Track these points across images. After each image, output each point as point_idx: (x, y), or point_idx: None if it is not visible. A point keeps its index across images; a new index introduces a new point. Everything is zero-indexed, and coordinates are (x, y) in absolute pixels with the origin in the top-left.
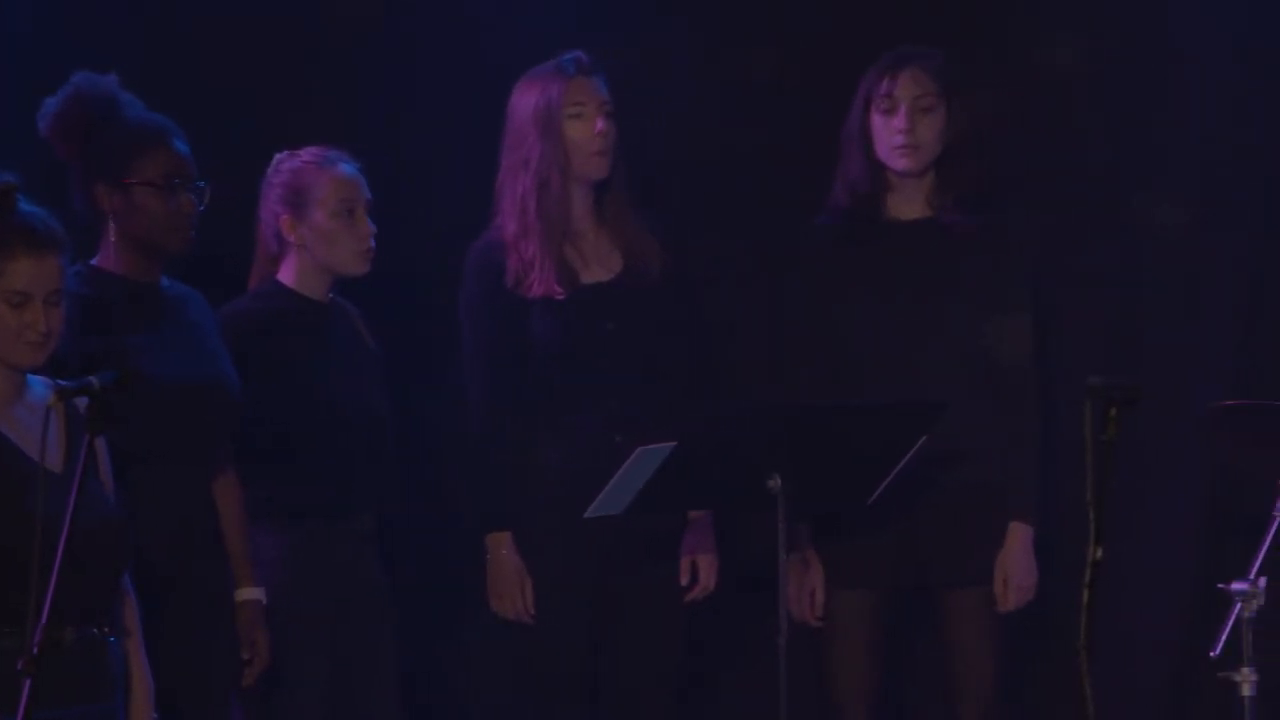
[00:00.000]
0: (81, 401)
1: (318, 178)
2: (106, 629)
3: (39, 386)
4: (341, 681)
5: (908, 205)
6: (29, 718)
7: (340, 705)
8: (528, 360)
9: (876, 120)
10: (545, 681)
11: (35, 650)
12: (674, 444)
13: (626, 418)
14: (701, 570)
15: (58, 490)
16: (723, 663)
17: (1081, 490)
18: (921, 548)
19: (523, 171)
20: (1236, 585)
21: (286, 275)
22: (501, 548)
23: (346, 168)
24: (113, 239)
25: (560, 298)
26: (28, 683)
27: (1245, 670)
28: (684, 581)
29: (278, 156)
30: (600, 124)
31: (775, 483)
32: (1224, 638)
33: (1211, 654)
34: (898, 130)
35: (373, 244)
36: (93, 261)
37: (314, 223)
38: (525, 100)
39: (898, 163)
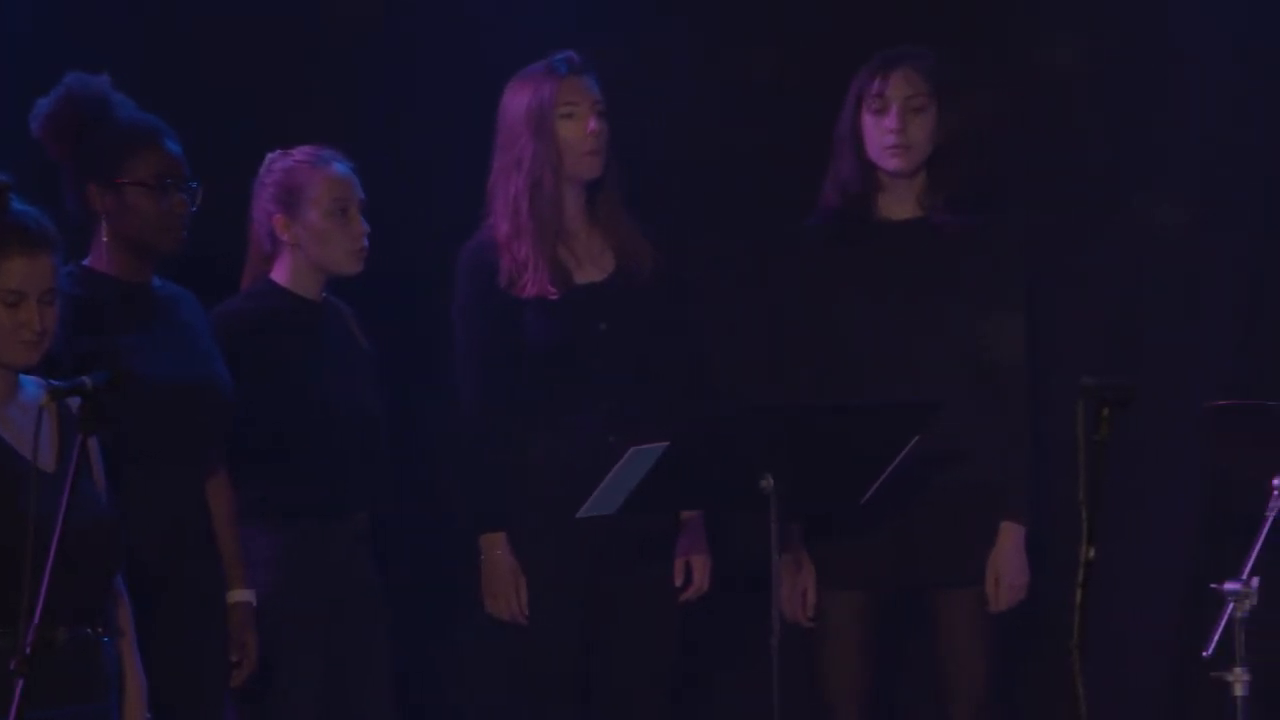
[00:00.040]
0: (74, 402)
1: (311, 177)
2: (100, 629)
3: (31, 387)
4: (335, 681)
5: (899, 205)
6: (22, 718)
7: (334, 705)
8: (521, 360)
9: (868, 120)
10: (538, 681)
11: (28, 650)
12: (667, 444)
13: (619, 418)
14: (696, 571)
15: (50, 490)
16: (715, 663)
17: (1074, 490)
18: (913, 548)
19: (515, 172)
20: (1229, 585)
21: (280, 274)
22: (496, 548)
23: (340, 167)
24: (105, 239)
25: (554, 298)
26: (20, 683)
27: (1238, 670)
28: (678, 582)
29: (270, 156)
30: (593, 124)
31: (768, 483)
32: (1217, 638)
33: (1204, 654)
34: (889, 130)
35: (366, 243)
36: (85, 262)
37: (307, 222)
38: (517, 100)
39: (889, 163)
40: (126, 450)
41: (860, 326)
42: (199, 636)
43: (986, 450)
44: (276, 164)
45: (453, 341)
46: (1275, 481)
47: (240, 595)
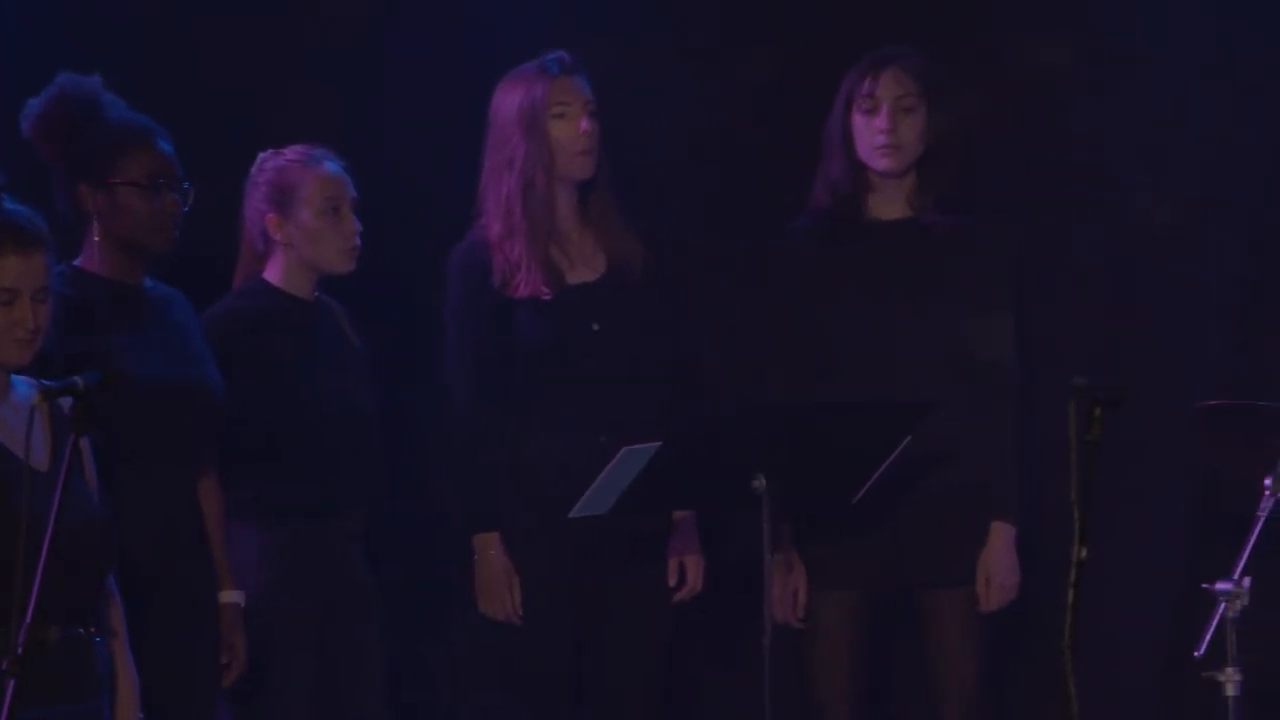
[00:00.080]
0: (66, 401)
1: (303, 176)
2: (92, 629)
3: (23, 386)
4: (328, 681)
5: (889, 205)
6: (13, 718)
7: (327, 704)
8: (514, 361)
9: (858, 120)
10: (531, 681)
11: (20, 650)
12: (659, 444)
13: (612, 418)
14: (689, 571)
15: (42, 490)
16: (707, 663)
17: (1065, 490)
18: (903, 548)
19: (507, 172)
20: (1221, 585)
21: (272, 274)
22: (490, 548)
23: (331, 166)
24: (96, 239)
25: (547, 298)
26: (12, 683)
27: (1229, 670)
28: (672, 582)
29: (262, 155)
30: (585, 123)
31: (760, 483)
32: (1208, 638)
33: (1196, 654)
34: (879, 130)
35: (358, 242)
36: (76, 262)
37: (299, 221)
38: (509, 100)
39: (879, 163)
40: (118, 450)
41: (850, 327)
42: (191, 636)
43: (977, 450)
44: (268, 163)
45: (445, 341)
46: (1266, 481)
47: (229, 596)
